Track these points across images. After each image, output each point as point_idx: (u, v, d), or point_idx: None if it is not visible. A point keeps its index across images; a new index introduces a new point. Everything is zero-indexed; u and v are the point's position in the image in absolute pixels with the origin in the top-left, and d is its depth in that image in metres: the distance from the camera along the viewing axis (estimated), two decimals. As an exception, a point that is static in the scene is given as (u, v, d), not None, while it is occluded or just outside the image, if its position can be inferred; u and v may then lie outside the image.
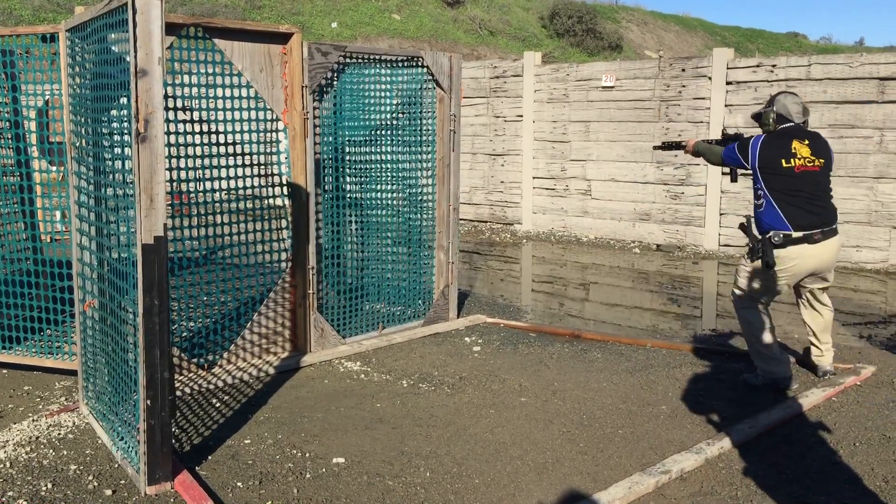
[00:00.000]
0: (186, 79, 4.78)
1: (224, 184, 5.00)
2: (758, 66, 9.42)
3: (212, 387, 4.72)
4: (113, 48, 4.06)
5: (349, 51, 5.51)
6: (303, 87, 5.15)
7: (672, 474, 3.59)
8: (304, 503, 3.32)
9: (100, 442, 3.90)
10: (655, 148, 5.86)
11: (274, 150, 5.26)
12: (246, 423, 4.19)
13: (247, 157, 5.13)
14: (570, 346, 5.70)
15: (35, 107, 5.48)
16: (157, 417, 3.37)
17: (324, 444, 3.91)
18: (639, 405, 4.50)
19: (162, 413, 3.39)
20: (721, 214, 9.70)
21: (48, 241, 5.64)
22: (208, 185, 4.93)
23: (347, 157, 5.76)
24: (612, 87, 10.47)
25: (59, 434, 4.00)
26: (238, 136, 5.04)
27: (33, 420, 4.18)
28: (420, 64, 5.96)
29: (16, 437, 3.94)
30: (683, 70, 9.94)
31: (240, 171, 5.06)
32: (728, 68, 9.57)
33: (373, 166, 5.97)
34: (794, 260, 4.52)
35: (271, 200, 5.29)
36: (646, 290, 7.94)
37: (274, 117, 5.17)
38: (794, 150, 4.54)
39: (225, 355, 5.01)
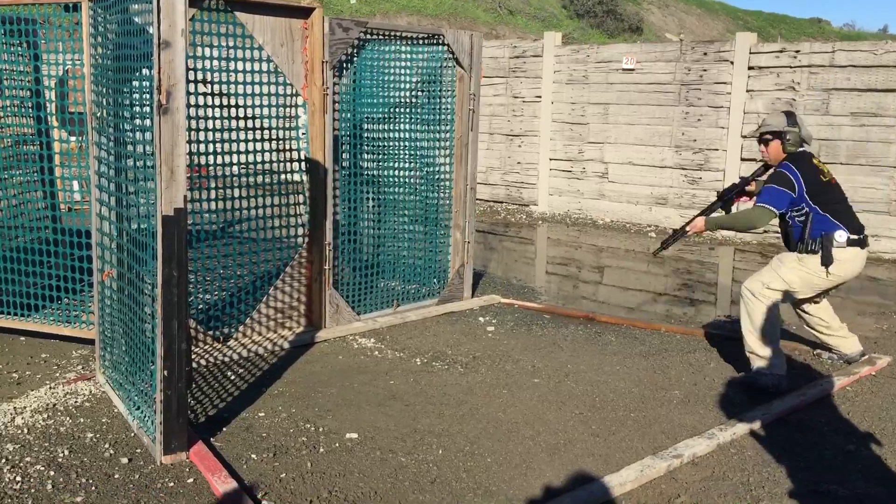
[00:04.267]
0: (207, 51, 4.77)
1: (242, 157, 5.00)
2: (781, 51, 9.31)
3: (227, 359, 4.76)
4: (135, 19, 4.05)
5: (370, 27, 5.48)
6: (323, 62, 5.13)
7: (684, 459, 3.60)
8: (317, 477, 3.35)
9: (116, 411, 3.94)
10: (656, 254, 5.36)
11: (293, 125, 5.26)
12: (260, 396, 4.22)
13: (265, 132, 5.13)
14: (584, 328, 5.69)
15: (55, 76, 5.49)
16: (173, 388, 3.40)
17: (337, 420, 3.94)
18: (652, 389, 4.50)
19: (178, 384, 3.42)
20: (738, 201, 9.63)
21: (66, 210, 5.67)
22: (226, 158, 4.93)
23: (366, 134, 5.74)
24: (633, 69, 10.38)
25: (76, 402, 4.05)
26: (257, 111, 5.04)
27: (50, 388, 4.22)
28: (441, 42, 5.92)
29: (33, 404, 3.98)
30: (705, 54, 9.83)
31: (258, 146, 5.07)
32: (751, 53, 9.47)
33: (391, 144, 5.96)
34: (850, 262, 4.56)
35: (289, 175, 5.29)
36: (661, 274, 7.92)
37: (294, 92, 5.16)
38: (819, 167, 4.63)
39: (240, 328, 5.04)
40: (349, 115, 5.54)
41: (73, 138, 5.50)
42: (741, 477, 3.48)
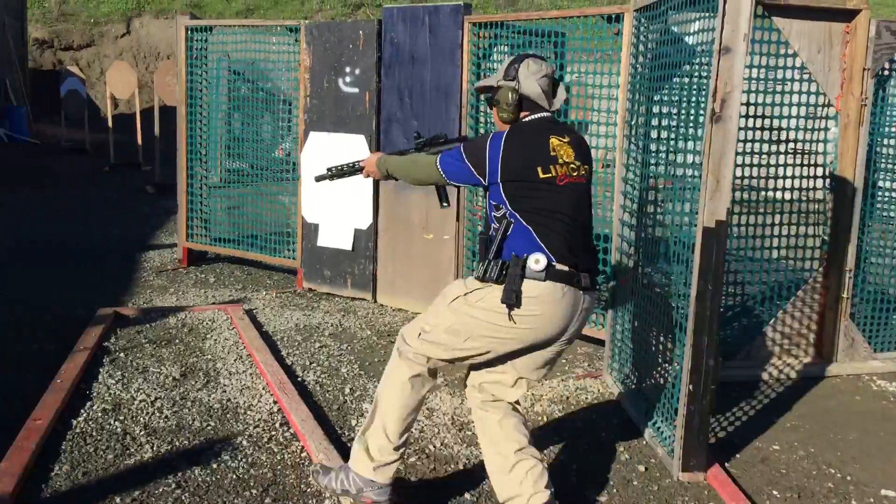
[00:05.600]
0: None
1: (764, 171, 4.74)
2: None
3: (727, 379, 4.54)
4: (672, 28, 4.05)
5: (922, 28, 4.81)
6: (864, 69, 4.62)
7: None
8: (852, 533, 2.98)
9: (625, 415, 3.98)
10: (319, 179, 3.55)
11: (821, 138, 4.83)
12: (771, 426, 3.93)
13: (790, 144, 4.79)
14: None
15: (566, 84, 5.79)
16: (697, 404, 3.29)
17: (867, 470, 3.49)
18: None
19: (703, 401, 3.30)
20: None
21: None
22: (750, 171, 4.71)
23: (892, 151, 5.07)
24: None
25: (586, 398, 4.18)
26: (784, 122, 4.73)
27: (562, 380, 4.43)
28: None
29: (548, 394, 4.21)
30: None
31: (782, 159, 4.75)
32: None
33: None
34: (546, 306, 2.76)
35: (811, 193, 4.88)
36: None
37: (826, 102, 4.74)
38: (553, 153, 2.83)
39: (743, 349, 4.78)
40: (886, 128, 4.93)
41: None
42: None
